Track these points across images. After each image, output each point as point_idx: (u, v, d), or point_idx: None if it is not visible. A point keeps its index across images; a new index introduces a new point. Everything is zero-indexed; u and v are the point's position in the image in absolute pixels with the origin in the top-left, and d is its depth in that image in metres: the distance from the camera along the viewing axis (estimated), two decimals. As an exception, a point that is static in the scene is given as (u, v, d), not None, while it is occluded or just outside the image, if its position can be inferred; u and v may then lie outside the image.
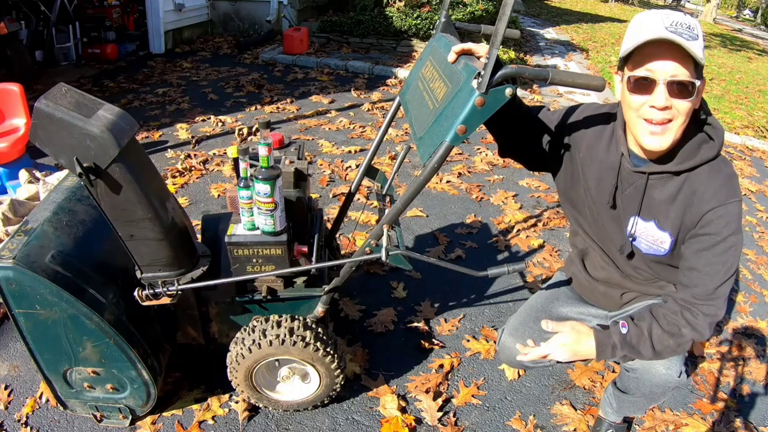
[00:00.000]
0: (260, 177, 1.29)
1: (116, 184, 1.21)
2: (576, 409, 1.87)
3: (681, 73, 1.06)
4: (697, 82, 1.08)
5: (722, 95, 6.94)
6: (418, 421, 1.77)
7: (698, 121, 1.20)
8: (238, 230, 1.44)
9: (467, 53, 1.14)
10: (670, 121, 1.11)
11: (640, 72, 1.10)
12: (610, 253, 1.46)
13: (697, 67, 1.08)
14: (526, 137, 1.44)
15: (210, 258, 1.53)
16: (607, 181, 1.32)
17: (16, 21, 4.84)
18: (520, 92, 5.61)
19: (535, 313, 1.59)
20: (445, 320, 2.25)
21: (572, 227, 1.61)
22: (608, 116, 1.35)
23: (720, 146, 1.19)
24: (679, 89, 1.07)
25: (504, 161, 3.88)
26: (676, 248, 1.28)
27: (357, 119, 4.59)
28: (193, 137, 3.96)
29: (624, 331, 1.26)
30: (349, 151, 3.88)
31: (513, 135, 1.45)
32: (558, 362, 1.35)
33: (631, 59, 1.13)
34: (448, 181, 3.54)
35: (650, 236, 1.30)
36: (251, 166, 1.33)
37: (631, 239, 1.34)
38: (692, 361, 2.15)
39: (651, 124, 1.12)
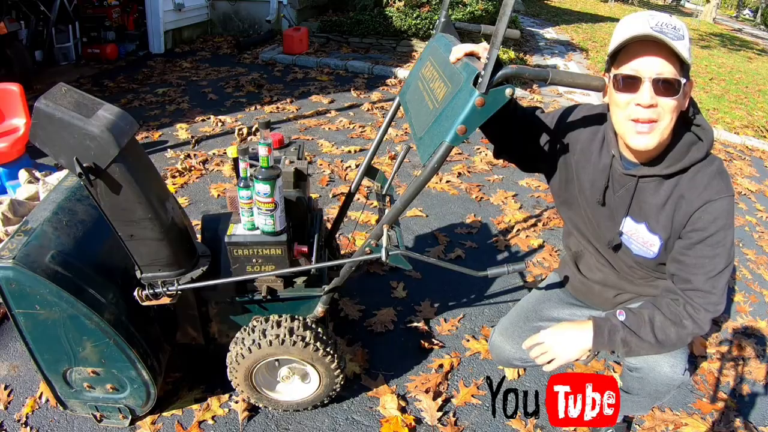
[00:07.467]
0: (260, 177, 1.29)
1: (116, 184, 1.21)
2: (576, 409, 1.87)
3: (666, 71, 1.07)
4: (683, 81, 1.09)
5: (722, 95, 6.94)
6: (418, 421, 1.77)
7: (686, 121, 1.21)
8: (238, 230, 1.44)
9: (469, 55, 1.14)
10: (656, 121, 1.11)
11: (626, 70, 1.11)
12: (605, 253, 1.46)
13: (683, 67, 1.09)
14: (520, 138, 1.44)
15: (210, 258, 1.53)
16: (600, 182, 1.34)
17: (16, 21, 4.84)
18: (519, 92, 5.61)
19: (525, 313, 1.62)
20: (445, 320, 2.25)
21: (566, 228, 1.62)
22: (602, 117, 1.35)
23: (709, 146, 1.20)
24: (664, 87, 1.08)
25: (504, 161, 3.88)
26: (665, 252, 1.29)
27: (357, 119, 4.59)
28: (192, 137, 3.96)
29: (621, 318, 1.26)
30: (349, 151, 3.88)
31: (508, 136, 1.44)
32: (551, 362, 1.34)
33: (618, 58, 1.14)
34: (447, 181, 3.54)
35: (641, 238, 1.31)
36: (251, 166, 1.34)
37: (620, 236, 1.35)
38: (692, 361, 2.15)
39: (638, 124, 1.12)
